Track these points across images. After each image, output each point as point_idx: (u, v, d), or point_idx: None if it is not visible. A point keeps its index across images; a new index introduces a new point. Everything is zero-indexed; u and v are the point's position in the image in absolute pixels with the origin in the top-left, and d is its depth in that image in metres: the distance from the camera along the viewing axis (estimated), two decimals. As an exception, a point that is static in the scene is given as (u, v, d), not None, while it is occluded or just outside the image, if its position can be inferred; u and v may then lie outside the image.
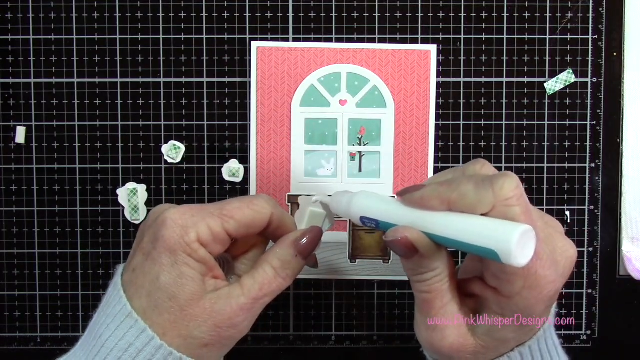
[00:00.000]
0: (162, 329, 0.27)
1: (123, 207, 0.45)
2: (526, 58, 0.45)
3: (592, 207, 0.45)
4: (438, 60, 0.44)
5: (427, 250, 0.27)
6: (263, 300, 0.30)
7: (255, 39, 0.44)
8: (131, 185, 0.44)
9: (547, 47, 0.45)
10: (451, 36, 0.44)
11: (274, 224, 0.32)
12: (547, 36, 0.45)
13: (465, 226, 0.25)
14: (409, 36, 0.44)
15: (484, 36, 0.44)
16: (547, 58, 0.45)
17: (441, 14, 0.44)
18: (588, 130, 0.45)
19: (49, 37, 0.44)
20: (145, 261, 0.28)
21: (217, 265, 0.30)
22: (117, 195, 0.45)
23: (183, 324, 0.28)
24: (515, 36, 0.44)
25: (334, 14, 0.44)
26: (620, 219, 0.45)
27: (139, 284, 0.28)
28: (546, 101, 0.45)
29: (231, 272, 0.33)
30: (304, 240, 0.31)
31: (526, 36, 0.45)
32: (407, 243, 0.27)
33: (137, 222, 0.45)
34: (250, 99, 0.44)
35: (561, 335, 0.45)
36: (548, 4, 0.44)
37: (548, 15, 0.44)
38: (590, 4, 0.44)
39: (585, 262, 0.45)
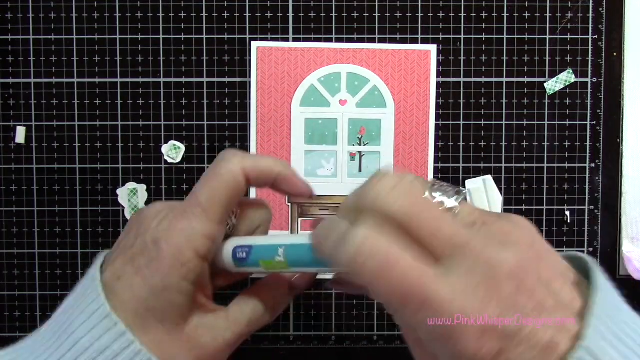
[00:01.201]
0: (155, 343, 0.26)
1: (123, 207, 0.45)
2: (526, 58, 0.45)
3: (592, 207, 0.45)
4: (438, 60, 0.44)
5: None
6: (247, 336, 0.29)
7: (255, 39, 0.44)
8: (131, 185, 0.44)
9: (547, 47, 0.45)
10: (451, 36, 0.44)
11: (253, 175, 0.29)
12: (547, 36, 0.45)
13: None
14: (409, 36, 0.44)
15: (484, 36, 0.44)
16: (547, 58, 0.45)
17: (441, 14, 0.44)
18: (588, 130, 0.45)
19: (49, 37, 0.44)
20: (134, 276, 0.27)
21: (208, 283, 0.29)
22: (117, 195, 0.45)
23: (167, 346, 0.27)
24: (515, 36, 0.44)
25: (334, 14, 0.44)
26: (620, 219, 0.45)
27: (125, 298, 0.26)
28: (546, 101, 0.45)
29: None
30: (299, 280, 0.31)
31: (526, 36, 0.45)
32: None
33: (137, 222, 0.45)
34: (250, 99, 0.44)
35: (561, 335, 0.45)
36: (548, 4, 0.44)
37: (548, 15, 0.44)
38: (590, 4, 0.44)
39: (585, 262, 0.45)
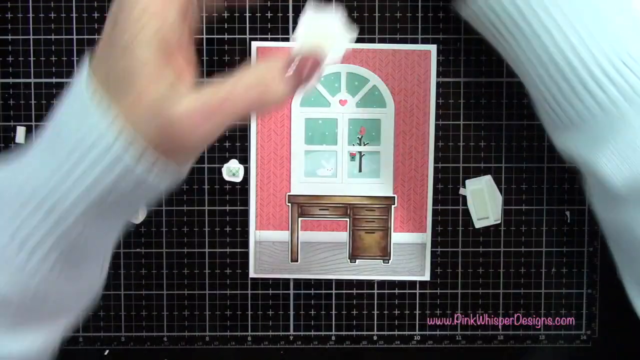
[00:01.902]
0: (117, 112, 0.26)
1: (123, 207, 0.45)
2: (526, 58, 0.44)
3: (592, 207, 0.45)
4: (438, 60, 0.44)
5: None
6: (225, 113, 0.27)
7: (255, 39, 0.44)
8: (131, 185, 0.44)
9: (547, 47, 0.44)
10: (451, 36, 0.44)
11: None
12: (547, 36, 0.44)
13: None
14: (409, 36, 0.44)
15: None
16: (547, 58, 0.45)
17: (441, 14, 0.44)
18: (588, 130, 0.45)
19: (49, 37, 0.44)
20: (105, 47, 0.27)
21: (177, 48, 0.27)
22: (117, 195, 0.44)
23: (134, 113, 0.26)
24: (515, 36, 0.44)
25: (334, 14, 0.44)
26: (620, 219, 0.45)
27: (99, 71, 0.27)
28: (546, 101, 0.45)
29: None
30: (293, 67, 0.27)
31: (526, 36, 0.44)
32: None
33: (136, 222, 0.45)
34: (250, 99, 0.44)
35: (561, 336, 0.45)
36: (548, 4, 0.44)
37: (548, 15, 0.44)
38: (590, 4, 0.44)
39: (585, 262, 0.45)
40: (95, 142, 0.25)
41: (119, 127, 0.26)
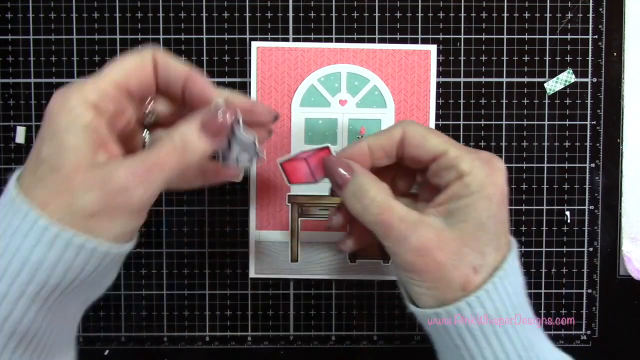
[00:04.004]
0: (43, 202, 0.26)
1: (123, 207, 0.45)
2: (526, 58, 0.45)
3: (592, 207, 0.45)
4: (438, 60, 0.44)
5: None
6: (160, 173, 0.27)
7: (255, 39, 0.44)
8: (131, 185, 0.44)
9: (547, 47, 0.45)
10: (451, 36, 0.44)
11: (163, 70, 0.30)
12: (547, 36, 0.45)
13: None
14: (409, 36, 0.44)
15: (484, 36, 0.44)
16: (547, 58, 0.45)
17: (441, 14, 0.44)
18: (588, 130, 0.45)
19: (49, 37, 0.44)
20: (35, 142, 0.27)
21: (111, 140, 0.28)
22: (117, 195, 0.44)
23: (67, 192, 0.26)
24: (515, 36, 0.44)
25: (334, 14, 0.44)
26: (620, 219, 0.45)
27: (26, 165, 0.27)
28: (546, 101, 0.45)
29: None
30: (210, 117, 0.29)
31: (526, 36, 0.45)
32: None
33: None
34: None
35: (561, 336, 0.45)
36: (548, 4, 0.44)
37: (548, 15, 0.44)
38: (590, 4, 0.44)
39: (585, 262, 0.45)
40: (22, 244, 0.26)
41: (40, 225, 0.26)
